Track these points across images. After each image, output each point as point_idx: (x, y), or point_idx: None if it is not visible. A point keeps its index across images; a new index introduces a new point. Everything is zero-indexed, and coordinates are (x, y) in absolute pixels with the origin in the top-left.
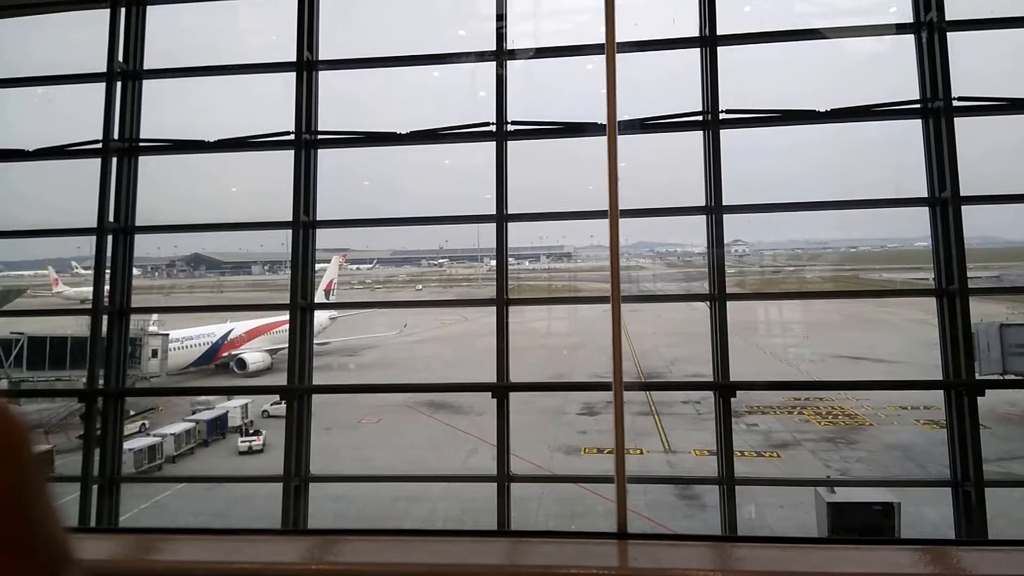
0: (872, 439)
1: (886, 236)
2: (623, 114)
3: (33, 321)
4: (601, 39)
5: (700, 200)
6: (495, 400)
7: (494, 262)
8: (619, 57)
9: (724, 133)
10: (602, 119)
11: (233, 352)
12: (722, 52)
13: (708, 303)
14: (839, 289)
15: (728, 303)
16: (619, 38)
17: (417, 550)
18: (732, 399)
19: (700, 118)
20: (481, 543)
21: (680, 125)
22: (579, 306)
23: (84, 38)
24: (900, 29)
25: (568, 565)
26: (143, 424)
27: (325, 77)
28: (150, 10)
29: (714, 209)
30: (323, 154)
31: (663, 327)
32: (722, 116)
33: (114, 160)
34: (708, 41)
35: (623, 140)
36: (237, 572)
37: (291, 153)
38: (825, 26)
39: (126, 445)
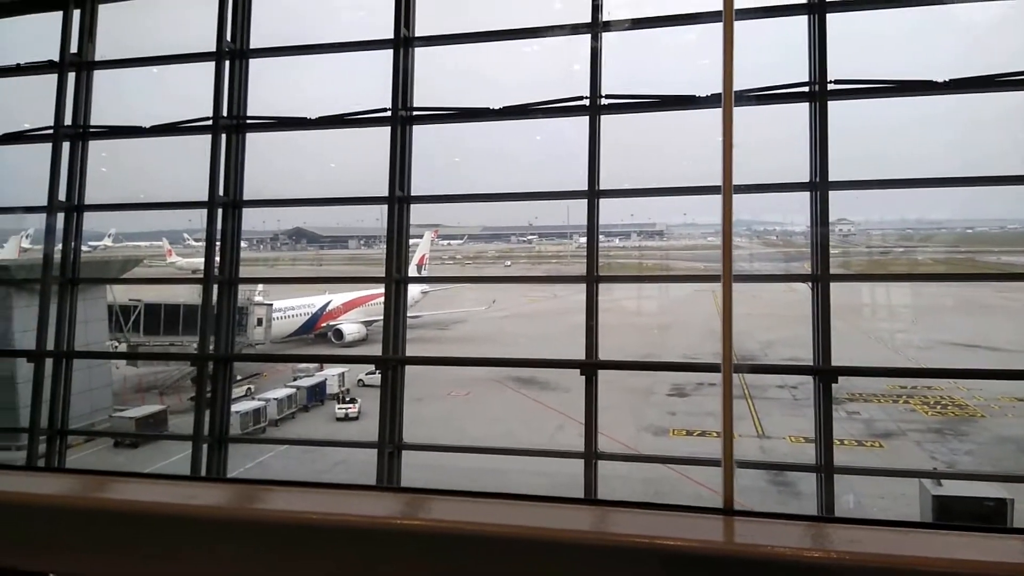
0: (984, 431)
1: (1006, 216)
2: (718, 86)
3: (149, 289)
4: (702, 8)
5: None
6: (583, 377)
7: (584, 239)
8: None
9: (832, 105)
10: (697, 91)
11: (331, 323)
12: (832, 20)
13: (809, 284)
14: (952, 272)
15: (831, 284)
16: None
17: (508, 512)
18: (833, 385)
19: (807, 89)
20: (575, 510)
21: (785, 96)
22: (670, 285)
23: (193, 20)
24: None
25: (672, 536)
26: (249, 388)
27: (421, 55)
28: None
29: (819, 185)
30: (417, 130)
31: (758, 308)
32: (831, 87)
33: (223, 136)
34: (817, 8)
35: (719, 113)
36: (336, 522)
37: (387, 130)
38: None
39: (233, 408)
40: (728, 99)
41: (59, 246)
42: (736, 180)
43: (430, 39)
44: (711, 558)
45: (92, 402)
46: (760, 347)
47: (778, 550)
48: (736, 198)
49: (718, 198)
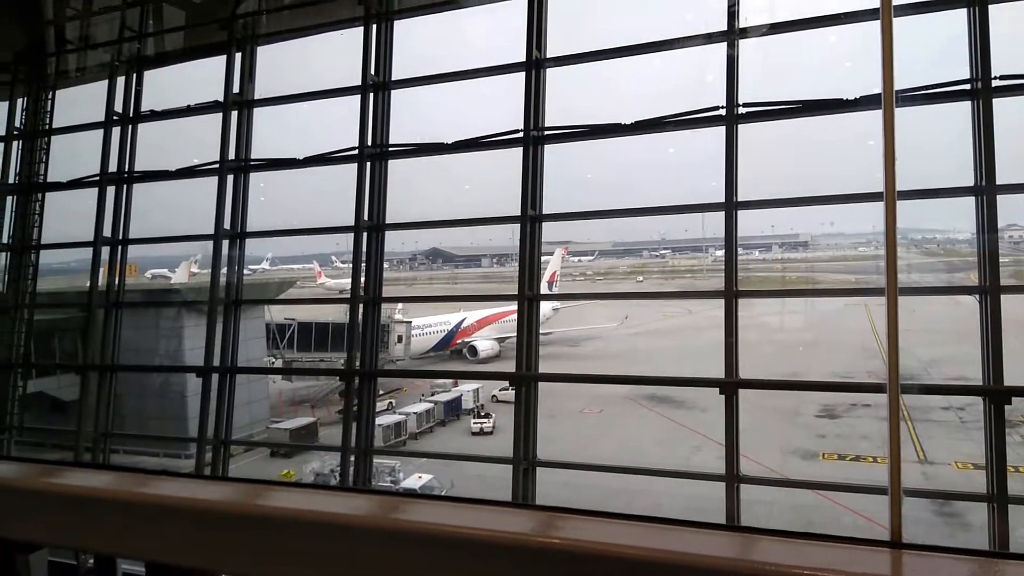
0: None
1: None
2: (866, 88)
3: (301, 308)
4: (836, 9)
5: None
6: (722, 397)
7: (720, 252)
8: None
9: (998, 103)
10: (842, 95)
11: (466, 340)
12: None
13: (977, 297)
14: None
15: (1002, 297)
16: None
17: (645, 535)
18: (1006, 406)
19: (968, 87)
20: (718, 535)
21: (944, 96)
22: (817, 300)
23: (335, 57)
24: None
25: (833, 569)
26: (390, 402)
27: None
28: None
29: (985, 189)
30: (548, 149)
31: (917, 323)
32: (995, 84)
33: (368, 164)
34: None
35: (868, 117)
36: (469, 537)
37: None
38: None
39: (377, 421)
40: (888, 100)
41: (224, 270)
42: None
43: (561, 59)
44: None
45: (251, 414)
46: (921, 366)
47: None
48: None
49: (866, 206)
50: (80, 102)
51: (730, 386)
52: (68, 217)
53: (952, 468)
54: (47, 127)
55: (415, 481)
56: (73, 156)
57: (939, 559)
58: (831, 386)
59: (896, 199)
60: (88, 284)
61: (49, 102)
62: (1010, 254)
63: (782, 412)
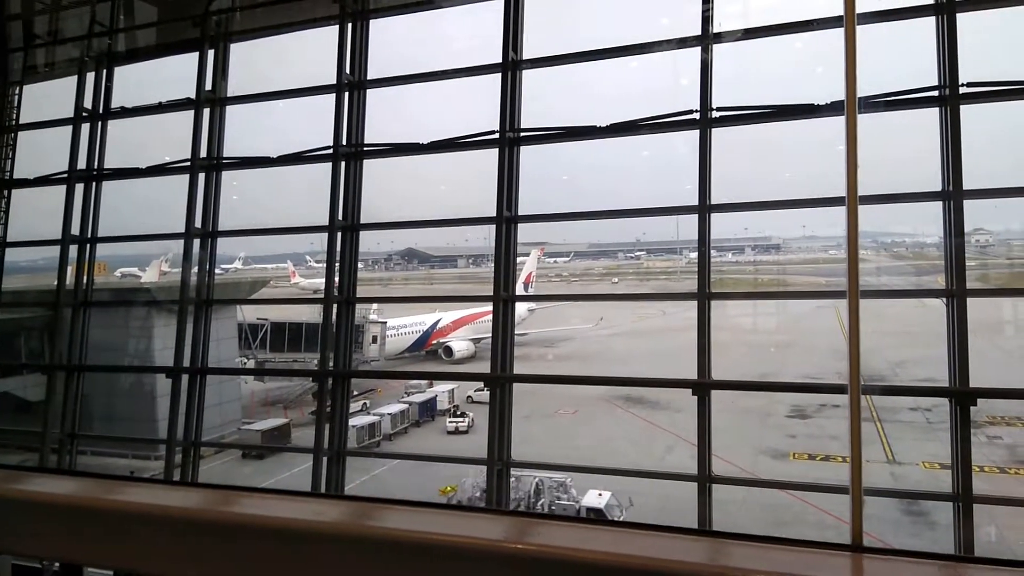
0: None
1: None
2: (831, 95)
3: (274, 308)
4: (810, 15)
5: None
6: (695, 397)
7: (694, 255)
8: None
9: (965, 109)
10: (810, 100)
11: (441, 340)
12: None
13: (944, 300)
14: None
15: (968, 300)
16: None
17: (618, 540)
18: (972, 408)
19: (936, 94)
20: (689, 541)
21: (912, 102)
22: (788, 302)
23: (309, 56)
24: None
25: (796, 574)
26: (364, 403)
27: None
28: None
29: (952, 194)
30: (524, 151)
31: (885, 326)
32: (962, 90)
33: (343, 164)
34: (946, 8)
35: (833, 122)
36: (441, 543)
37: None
38: None
39: (351, 422)
40: (851, 107)
41: (195, 269)
42: (861, 190)
43: (537, 61)
44: None
45: (223, 415)
46: (890, 367)
47: None
48: (862, 209)
49: (839, 210)
50: (49, 97)
51: (702, 387)
52: (35, 214)
53: (920, 468)
54: (14, 123)
55: (595, 499)
56: (41, 152)
57: (899, 563)
58: (799, 387)
59: (858, 203)
60: (56, 283)
61: (16, 97)
62: (977, 258)
63: (754, 412)
